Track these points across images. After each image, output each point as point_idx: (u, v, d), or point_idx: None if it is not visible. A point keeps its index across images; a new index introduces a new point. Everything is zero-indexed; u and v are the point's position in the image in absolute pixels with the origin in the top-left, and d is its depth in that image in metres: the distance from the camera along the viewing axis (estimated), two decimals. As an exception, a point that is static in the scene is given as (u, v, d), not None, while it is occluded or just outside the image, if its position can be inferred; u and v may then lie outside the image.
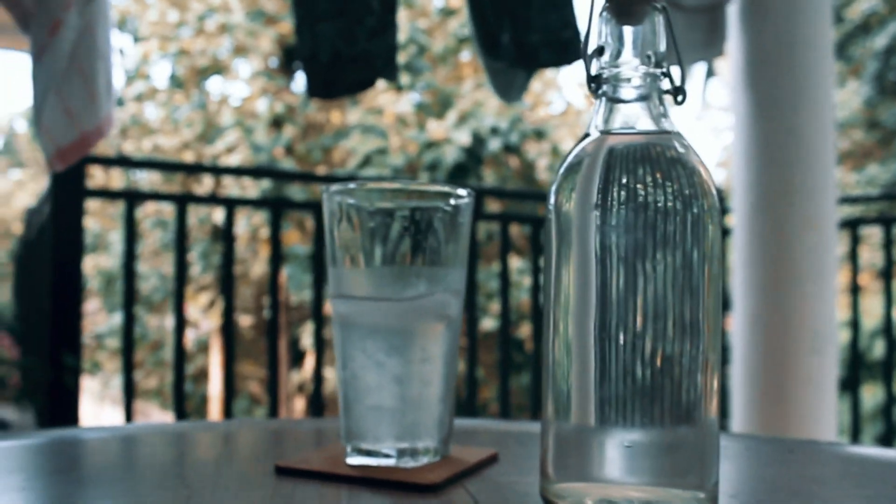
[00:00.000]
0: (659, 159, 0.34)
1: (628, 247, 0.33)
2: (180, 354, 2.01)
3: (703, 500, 0.34)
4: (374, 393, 0.44)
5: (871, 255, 4.76)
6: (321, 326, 2.08)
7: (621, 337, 0.34)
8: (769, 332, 2.01)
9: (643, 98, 0.37)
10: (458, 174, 7.82)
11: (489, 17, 1.40)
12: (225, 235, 1.97)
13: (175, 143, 8.19)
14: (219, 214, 6.66)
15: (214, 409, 8.41)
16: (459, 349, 0.46)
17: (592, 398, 0.35)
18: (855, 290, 2.59)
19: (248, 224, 6.99)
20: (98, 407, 7.37)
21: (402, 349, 0.44)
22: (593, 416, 0.35)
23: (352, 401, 0.44)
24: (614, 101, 0.37)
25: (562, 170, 0.36)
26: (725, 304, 1.88)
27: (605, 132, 0.36)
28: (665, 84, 0.37)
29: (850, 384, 2.71)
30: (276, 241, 2.05)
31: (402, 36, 7.07)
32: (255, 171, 6.10)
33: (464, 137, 7.59)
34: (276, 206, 2.07)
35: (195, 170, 6.54)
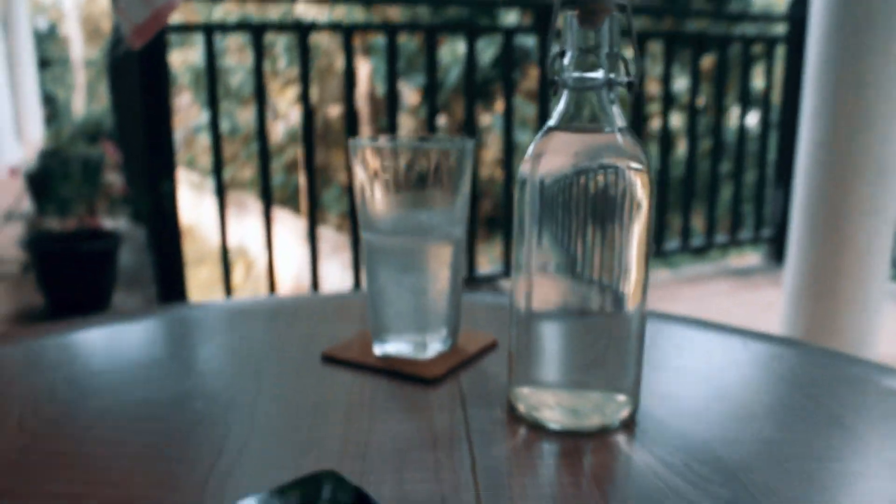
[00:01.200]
0: (587, 188, 0.42)
1: (567, 239, 0.43)
2: (265, 156, 2.18)
3: (621, 403, 0.46)
4: (395, 302, 0.56)
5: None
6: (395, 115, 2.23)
7: (559, 273, 0.44)
8: (832, 159, 2.02)
9: (598, 95, 0.44)
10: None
11: None
12: (302, 63, 2.06)
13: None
14: (300, 8, 6.61)
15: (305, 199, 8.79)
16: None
17: (533, 312, 0.45)
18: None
19: (331, 18, 6.93)
20: (198, 199, 7.85)
21: (417, 268, 0.56)
22: (533, 330, 0.46)
23: (378, 307, 0.57)
24: (572, 95, 0.44)
25: (518, 177, 0.44)
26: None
27: (555, 128, 0.44)
28: (621, 77, 0.44)
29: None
30: (349, 68, 2.12)
31: None
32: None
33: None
34: (348, 31, 2.12)
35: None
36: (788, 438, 0.44)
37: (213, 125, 2.09)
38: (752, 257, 3.45)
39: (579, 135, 0.44)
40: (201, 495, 0.38)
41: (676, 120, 4.90)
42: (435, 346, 0.57)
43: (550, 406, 0.46)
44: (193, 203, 8.24)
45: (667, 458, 0.42)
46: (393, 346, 0.57)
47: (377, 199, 0.55)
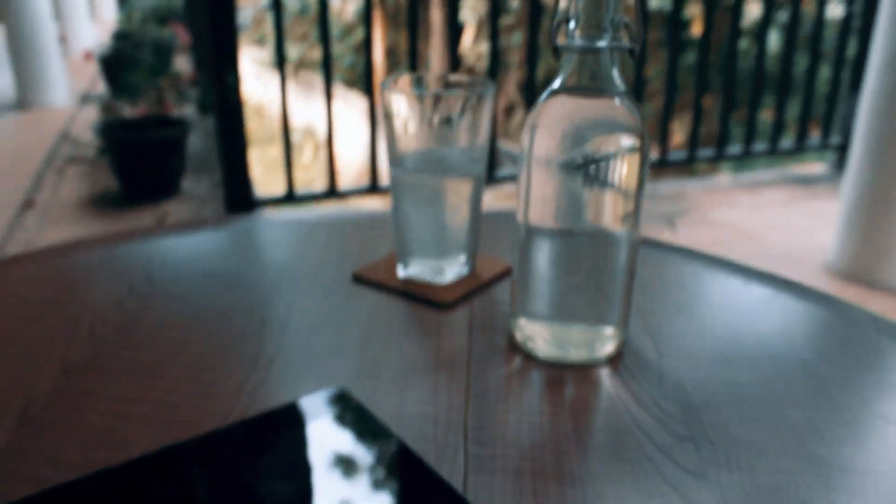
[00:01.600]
0: (576, 173, 0.46)
1: (560, 197, 0.47)
2: (326, 39, 2.22)
3: (608, 337, 0.51)
4: (417, 231, 0.62)
5: None
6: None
7: (553, 213, 0.49)
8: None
9: (600, 60, 0.47)
10: None
11: None
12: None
13: None
14: None
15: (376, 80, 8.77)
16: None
17: (527, 246, 0.50)
18: None
19: None
20: (268, 78, 7.92)
21: (438, 202, 0.61)
22: (528, 262, 0.50)
23: (402, 235, 0.63)
24: (575, 60, 0.47)
25: (520, 145, 0.48)
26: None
27: (557, 91, 0.47)
28: (623, 42, 0.47)
29: None
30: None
31: None
32: None
33: None
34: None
35: None
36: (755, 382, 0.49)
37: (276, 7, 2.12)
38: (817, 165, 3.36)
39: (579, 101, 0.47)
40: (234, 405, 0.46)
41: (753, 9, 4.66)
42: (452, 273, 0.63)
43: (541, 337, 0.51)
44: (264, 82, 8.31)
45: (640, 393, 0.48)
46: (414, 271, 0.63)
47: (402, 138, 0.59)
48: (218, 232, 0.74)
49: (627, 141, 0.46)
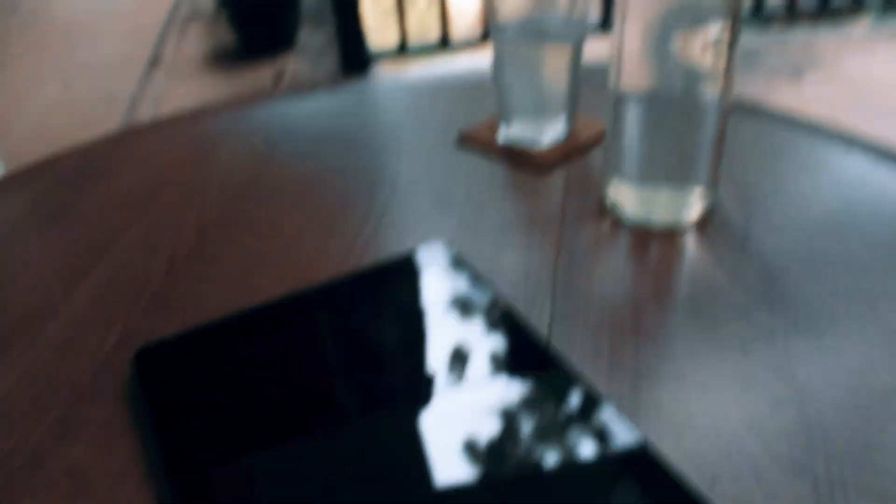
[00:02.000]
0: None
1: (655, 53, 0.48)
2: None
3: (695, 201, 0.53)
4: (517, 95, 0.64)
5: None
6: None
7: (645, 70, 0.50)
8: None
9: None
10: None
11: None
12: None
13: None
14: None
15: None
16: None
17: (618, 105, 0.52)
18: None
19: None
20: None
21: (537, 67, 0.62)
22: (618, 122, 0.52)
23: (504, 100, 0.65)
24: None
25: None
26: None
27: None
28: None
29: None
30: None
31: None
32: None
33: None
34: None
35: None
36: (839, 253, 0.50)
37: None
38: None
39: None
40: (348, 256, 0.52)
41: None
42: (550, 136, 0.65)
43: (630, 200, 0.54)
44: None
45: (722, 257, 0.50)
46: (515, 133, 0.66)
47: (502, 5, 0.60)
48: (331, 96, 0.79)
49: (716, 29, 0.46)
